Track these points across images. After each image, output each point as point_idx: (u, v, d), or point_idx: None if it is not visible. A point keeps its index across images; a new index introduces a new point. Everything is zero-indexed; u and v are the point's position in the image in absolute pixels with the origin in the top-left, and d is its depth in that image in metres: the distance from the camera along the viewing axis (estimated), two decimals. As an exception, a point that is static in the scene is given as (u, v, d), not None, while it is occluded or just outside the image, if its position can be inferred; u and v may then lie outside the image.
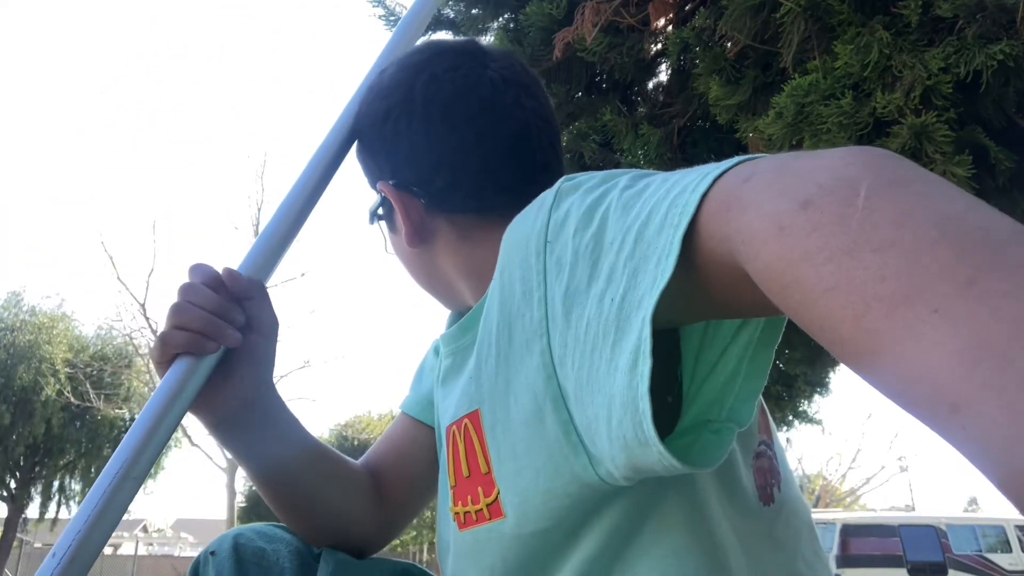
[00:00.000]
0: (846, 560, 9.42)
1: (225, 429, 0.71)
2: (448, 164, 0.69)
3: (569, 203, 0.48)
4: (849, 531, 9.74)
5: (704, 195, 0.37)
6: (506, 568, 0.56)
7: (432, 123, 0.69)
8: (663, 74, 3.25)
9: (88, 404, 16.34)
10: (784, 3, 2.21)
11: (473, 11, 3.42)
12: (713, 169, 0.39)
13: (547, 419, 0.48)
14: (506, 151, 0.70)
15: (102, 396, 16.66)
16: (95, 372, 17.19)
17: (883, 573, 9.49)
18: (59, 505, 18.30)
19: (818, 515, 10.38)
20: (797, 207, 0.32)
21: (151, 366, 18.37)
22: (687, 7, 2.99)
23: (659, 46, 3.10)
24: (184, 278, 0.69)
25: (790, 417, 5.60)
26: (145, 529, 32.93)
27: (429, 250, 0.74)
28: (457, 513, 0.59)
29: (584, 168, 3.00)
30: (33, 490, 18.06)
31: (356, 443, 21.39)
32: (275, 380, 0.77)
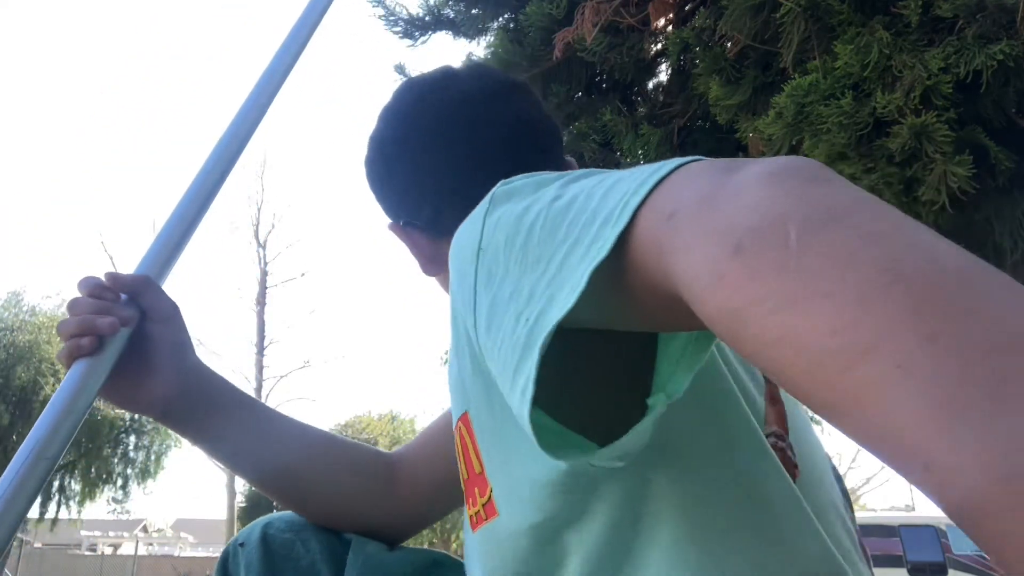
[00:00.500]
0: (846, 560, 9.40)
1: (174, 418, 0.75)
2: (429, 191, 0.73)
3: (501, 211, 0.48)
4: (849, 531, 9.72)
5: (623, 232, 0.36)
6: (505, 569, 0.55)
7: (406, 159, 0.74)
8: (663, 74, 3.25)
9: (88, 404, 16.33)
10: (784, 3, 2.21)
11: (473, 11, 3.42)
12: (631, 197, 0.37)
13: (496, 412, 0.50)
14: (479, 165, 0.71)
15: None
16: (95, 372, 17.16)
17: (883, 573, 9.49)
18: (59, 505, 18.30)
19: (818, 515, 10.34)
20: (730, 253, 0.30)
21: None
22: (687, 7, 2.99)
23: (659, 46, 3.10)
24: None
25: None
26: (145, 529, 32.94)
27: (444, 274, 0.76)
28: (470, 515, 0.59)
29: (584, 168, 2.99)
30: (33, 490, 18.06)
31: (356, 443, 21.35)
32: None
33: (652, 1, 2.79)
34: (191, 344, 0.76)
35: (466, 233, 0.51)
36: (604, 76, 3.16)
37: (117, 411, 17.41)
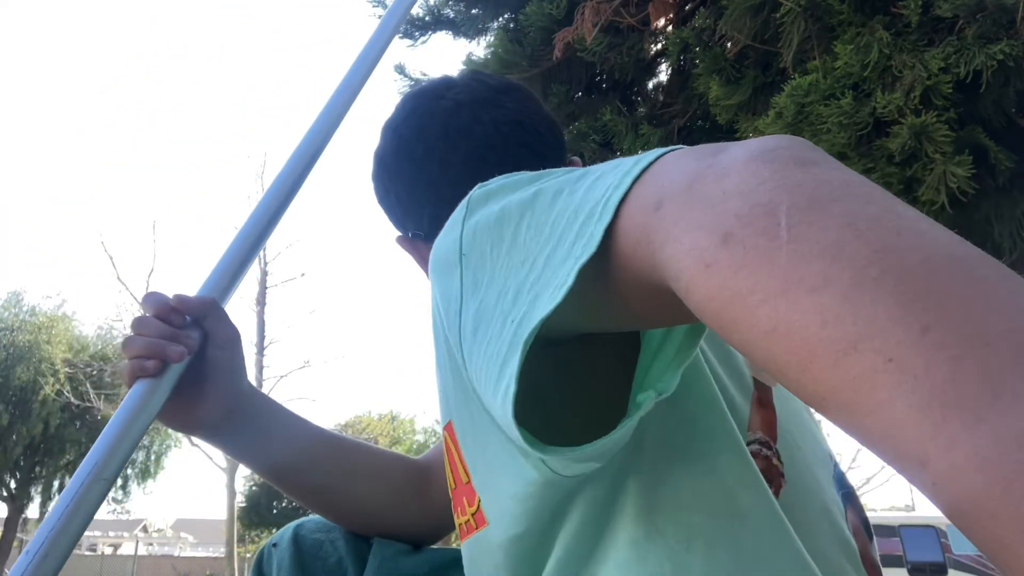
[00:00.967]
0: (846, 560, 9.41)
1: (219, 438, 0.76)
2: (426, 201, 0.74)
3: (481, 214, 0.47)
4: (849, 531, 9.72)
5: (609, 227, 0.35)
6: None
7: (405, 171, 0.75)
8: (663, 74, 3.25)
9: (88, 404, 16.34)
10: (784, 3, 2.21)
11: (473, 11, 3.42)
12: (613, 191, 0.36)
13: (479, 422, 0.49)
14: (471, 171, 0.71)
15: (102, 396, 16.66)
16: (95, 372, 17.19)
17: (883, 573, 9.47)
18: (59, 505, 18.30)
19: (818, 515, 10.35)
20: (718, 242, 0.29)
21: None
22: (687, 7, 2.99)
23: (659, 46, 3.10)
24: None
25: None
26: (145, 529, 32.93)
27: None
28: (460, 525, 0.59)
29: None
30: (33, 490, 18.06)
31: (356, 443, 21.35)
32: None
33: (652, 1, 2.79)
34: (245, 369, 0.77)
35: (445, 240, 0.50)
36: (604, 76, 3.15)
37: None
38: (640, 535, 0.49)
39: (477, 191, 0.50)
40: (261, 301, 17.79)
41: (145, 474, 19.56)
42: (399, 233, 0.79)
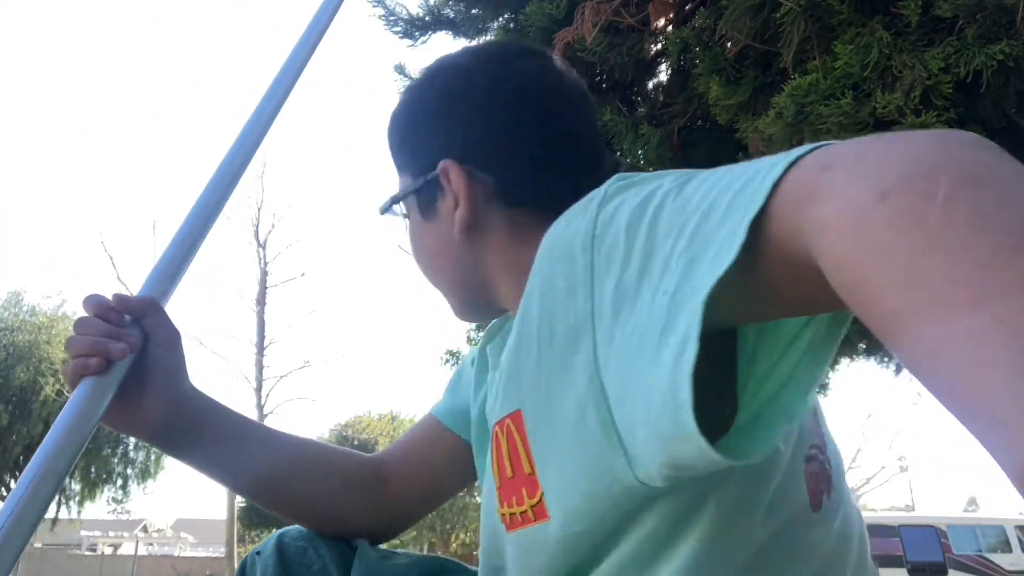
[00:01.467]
0: (846, 560, 9.40)
1: (161, 440, 0.76)
2: (529, 156, 0.69)
3: (620, 200, 0.47)
4: (849, 531, 9.71)
5: (776, 183, 0.36)
6: (554, 568, 0.55)
7: (520, 110, 0.69)
8: (663, 74, 3.25)
9: (88, 404, 16.33)
10: (784, 3, 2.22)
11: (473, 11, 3.43)
12: (784, 157, 0.37)
13: (588, 419, 0.47)
14: (579, 156, 0.70)
15: (102, 396, 16.63)
16: (95, 372, 17.16)
17: (883, 573, 9.46)
18: (59, 505, 18.31)
19: (818, 515, 10.34)
20: (875, 198, 0.31)
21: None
22: (687, 7, 2.99)
23: (659, 46, 3.10)
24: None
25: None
26: (145, 529, 32.92)
27: (477, 243, 0.70)
28: (503, 515, 0.58)
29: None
30: (33, 490, 18.05)
31: (356, 443, 21.39)
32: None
33: (652, 1, 2.79)
34: (186, 370, 0.77)
35: (573, 223, 0.50)
36: (604, 76, 3.15)
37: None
38: (703, 555, 0.50)
39: (618, 181, 0.50)
40: (261, 301, 17.79)
41: (145, 474, 19.56)
42: (451, 156, 0.69)
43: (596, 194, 0.50)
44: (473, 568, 0.77)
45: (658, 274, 0.41)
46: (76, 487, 18.61)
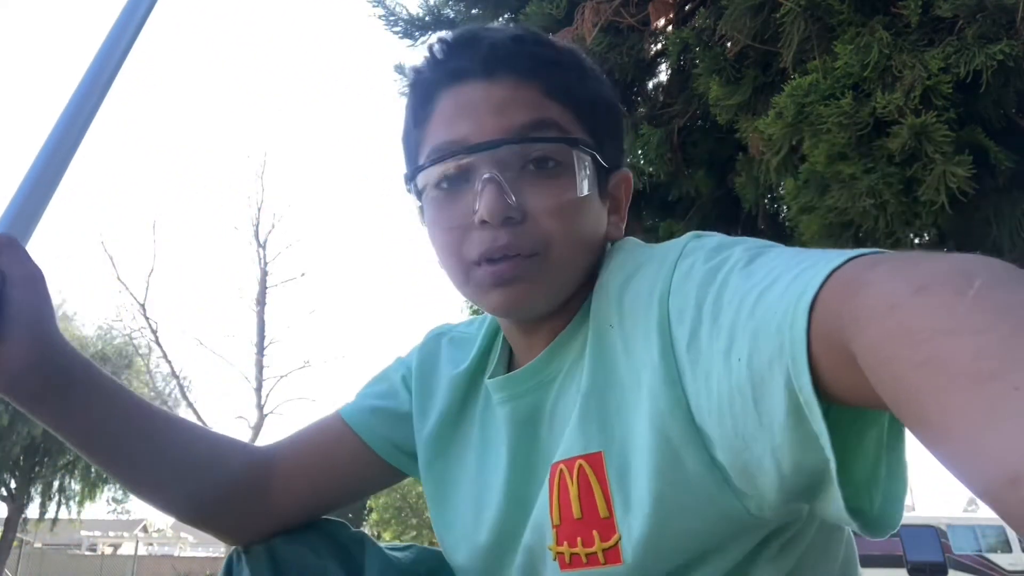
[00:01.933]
0: (846, 560, 9.40)
1: (23, 393, 0.67)
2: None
3: (693, 259, 0.55)
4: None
5: (833, 272, 0.40)
6: None
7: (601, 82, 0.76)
8: (663, 74, 3.25)
9: (88, 404, 16.33)
10: (784, 3, 2.22)
11: (473, 11, 3.43)
12: (843, 254, 0.42)
13: (687, 461, 0.53)
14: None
15: (102, 396, 16.63)
16: (95, 372, 17.17)
17: (883, 573, 9.48)
18: (59, 505, 18.29)
19: (818, 515, 10.35)
20: (912, 290, 0.34)
21: (151, 366, 18.56)
22: (687, 7, 2.99)
23: (659, 46, 3.10)
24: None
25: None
26: (145, 529, 32.93)
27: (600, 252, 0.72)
28: (561, 553, 0.61)
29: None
30: (33, 490, 18.05)
31: (356, 443, 21.33)
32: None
33: (652, 1, 2.79)
34: (54, 316, 0.68)
35: (651, 277, 0.58)
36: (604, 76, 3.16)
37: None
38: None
39: (693, 240, 0.58)
40: (261, 301, 17.79)
41: (145, 474, 19.50)
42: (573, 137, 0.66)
43: (670, 252, 0.57)
44: None
45: (727, 338, 0.47)
46: (76, 487, 18.59)
